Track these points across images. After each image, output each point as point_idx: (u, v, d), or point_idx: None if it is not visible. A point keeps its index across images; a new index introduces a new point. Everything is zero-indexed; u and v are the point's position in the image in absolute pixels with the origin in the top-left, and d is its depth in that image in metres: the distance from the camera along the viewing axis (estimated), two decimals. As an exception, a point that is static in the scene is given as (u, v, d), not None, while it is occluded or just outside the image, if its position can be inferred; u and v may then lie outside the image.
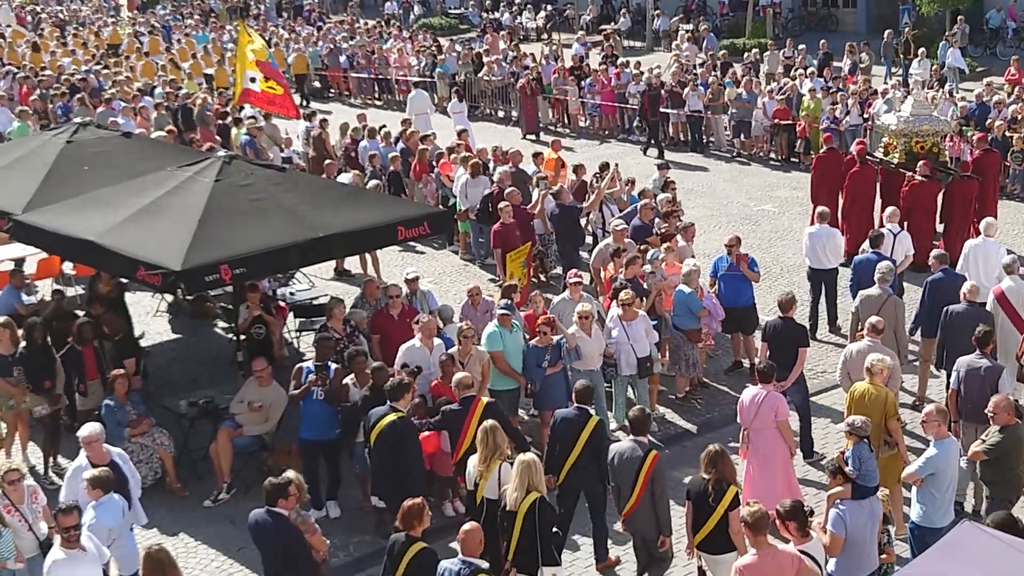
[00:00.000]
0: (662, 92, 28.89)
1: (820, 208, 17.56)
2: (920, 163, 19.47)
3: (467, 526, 9.22)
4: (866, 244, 16.09)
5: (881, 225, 17.01)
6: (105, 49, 41.47)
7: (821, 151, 21.88)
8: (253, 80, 21.08)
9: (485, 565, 9.13)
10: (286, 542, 9.81)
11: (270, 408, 13.17)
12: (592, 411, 11.47)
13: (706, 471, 10.13)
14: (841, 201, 20.27)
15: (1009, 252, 16.15)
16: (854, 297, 15.08)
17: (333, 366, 12.92)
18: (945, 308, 13.72)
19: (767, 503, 9.84)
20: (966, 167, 20.28)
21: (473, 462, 10.86)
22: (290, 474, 10.17)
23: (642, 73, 30.28)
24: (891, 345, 13.23)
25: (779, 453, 11.85)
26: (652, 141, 28.87)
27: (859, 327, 13.78)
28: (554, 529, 10.25)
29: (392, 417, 11.34)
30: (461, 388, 11.80)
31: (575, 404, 11.45)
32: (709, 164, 27.65)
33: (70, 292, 18.64)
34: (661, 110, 29.01)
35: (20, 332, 14.02)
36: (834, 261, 16.95)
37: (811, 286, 17.18)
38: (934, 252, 15.27)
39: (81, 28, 46.77)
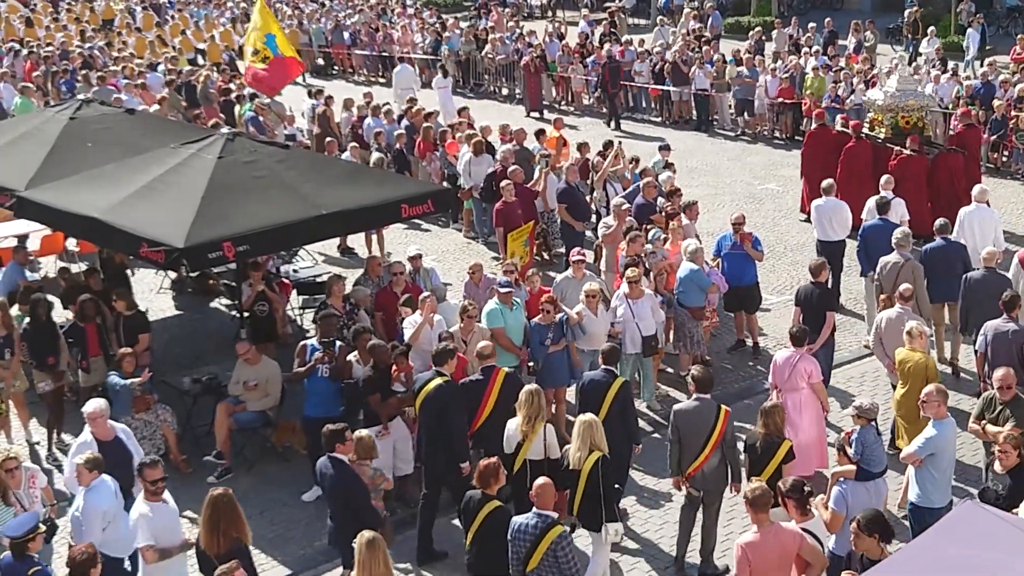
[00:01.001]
0: (621, 65, 29.59)
1: (826, 181, 17.63)
2: (908, 138, 19.63)
3: (540, 481, 9.39)
4: (873, 209, 16.49)
5: (877, 193, 17.23)
6: (100, 24, 41.56)
7: (812, 127, 21.94)
8: (255, 53, 20.99)
9: (556, 516, 9.35)
10: (346, 487, 10.15)
11: (267, 383, 13.21)
12: (618, 371, 11.70)
13: (760, 426, 10.46)
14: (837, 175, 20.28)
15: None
16: (862, 264, 15.47)
17: (338, 343, 12.95)
18: (964, 275, 14.16)
19: (797, 462, 9.92)
20: (951, 141, 20.58)
21: (513, 425, 10.98)
22: (361, 432, 10.71)
23: (647, 51, 30.22)
24: (913, 309, 13.57)
25: (810, 414, 12.22)
26: (611, 114, 29.27)
27: (881, 293, 14.19)
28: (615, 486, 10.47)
29: (438, 381, 11.44)
30: (482, 358, 11.90)
31: (602, 366, 11.63)
32: (713, 143, 27.60)
33: (74, 269, 18.68)
34: (664, 87, 29.02)
35: (15, 309, 13.98)
36: (841, 233, 17.08)
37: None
38: (938, 221, 15.46)
39: (74, 3, 46.83)
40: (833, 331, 13.99)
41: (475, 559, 9.81)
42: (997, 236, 16.18)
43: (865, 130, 20.74)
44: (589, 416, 10.43)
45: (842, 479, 9.96)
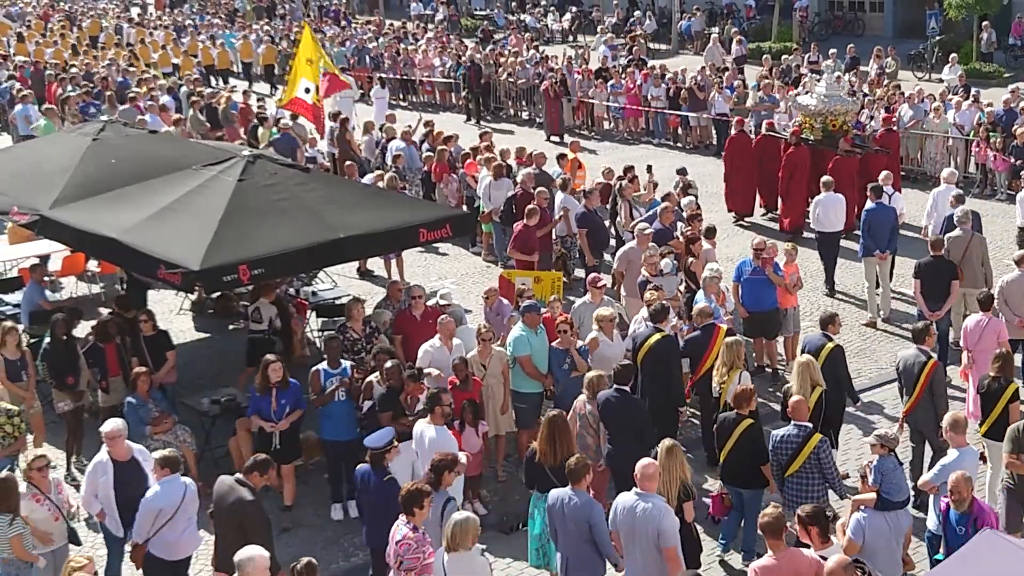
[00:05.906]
0: (483, 71, 33.24)
1: (825, 178, 19.10)
2: (841, 140, 21.54)
3: (794, 399, 11.13)
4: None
5: (817, 192, 19.00)
6: (88, 41, 42.39)
7: (732, 134, 23.67)
8: (307, 91, 20.91)
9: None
10: (632, 415, 11.61)
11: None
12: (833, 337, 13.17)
13: (994, 370, 11.82)
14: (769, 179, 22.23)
15: None
16: (866, 243, 17.27)
17: (346, 364, 12.98)
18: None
19: None
20: (875, 142, 22.79)
21: (715, 374, 12.81)
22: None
23: (662, 75, 30.29)
24: (980, 278, 15.58)
25: None
26: (473, 111, 33.23)
27: None
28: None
29: (658, 336, 13.09)
30: (702, 317, 13.53)
31: (820, 331, 13.14)
32: (733, 168, 27.51)
33: (96, 289, 18.79)
34: (682, 112, 29.10)
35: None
36: (839, 224, 18.77)
37: (822, 252, 19.05)
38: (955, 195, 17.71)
39: (60, 20, 47.92)
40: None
41: (730, 470, 11.48)
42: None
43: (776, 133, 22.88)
44: (805, 356, 12.21)
45: (863, 506, 9.92)
